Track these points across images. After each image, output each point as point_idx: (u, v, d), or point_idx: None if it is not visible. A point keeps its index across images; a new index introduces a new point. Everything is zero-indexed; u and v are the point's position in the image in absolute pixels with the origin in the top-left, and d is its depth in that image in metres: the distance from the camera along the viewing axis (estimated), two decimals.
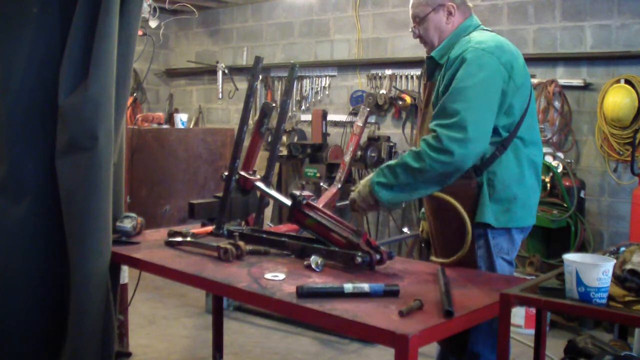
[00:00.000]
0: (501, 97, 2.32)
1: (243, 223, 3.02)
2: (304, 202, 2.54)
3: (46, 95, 2.62)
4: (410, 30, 2.61)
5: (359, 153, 5.84)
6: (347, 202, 2.56)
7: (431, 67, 2.57)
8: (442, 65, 2.45)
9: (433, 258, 2.58)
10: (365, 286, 2.03)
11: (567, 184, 4.89)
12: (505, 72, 2.32)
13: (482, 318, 2.04)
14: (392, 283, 2.11)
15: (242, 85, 7.28)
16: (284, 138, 6.58)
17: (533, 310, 2.62)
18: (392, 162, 2.38)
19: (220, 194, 2.89)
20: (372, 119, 6.33)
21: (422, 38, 2.57)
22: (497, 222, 2.39)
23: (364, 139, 6.14)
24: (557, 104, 5.19)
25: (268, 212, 5.98)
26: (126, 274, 3.68)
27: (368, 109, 6.16)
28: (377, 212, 2.54)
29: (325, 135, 6.58)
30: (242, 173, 2.93)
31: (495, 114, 2.31)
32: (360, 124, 6.18)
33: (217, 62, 7.37)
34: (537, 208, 2.54)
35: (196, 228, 2.96)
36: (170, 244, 2.75)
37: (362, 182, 2.46)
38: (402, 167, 2.33)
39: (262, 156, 3.35)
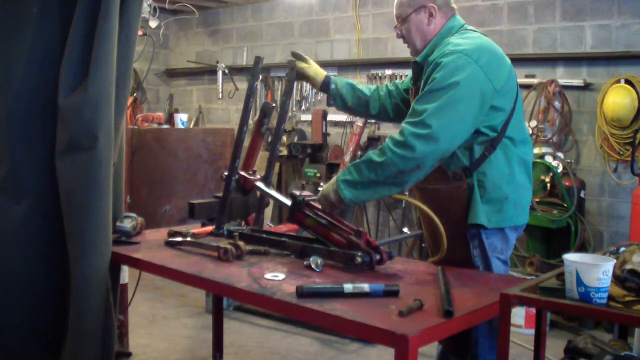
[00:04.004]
0: (480, 99, 2.30)
1: (243, 223, 3.02)
2: (304, 202, 2.55)
3: (46, 96, 2.62)
4: (394, 29, 2.63)
5: (359, 153, 5.85)
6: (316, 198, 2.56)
7: (416, 71, 2.58)
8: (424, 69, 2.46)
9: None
10: (365, 286, 2.03)
11: (567, 184, 4.89)
12: (482, 74, 2.30)
13: (482, 318, 2.04)
14: (392, 283, 2.11)
15: (242, 85, 7.28)
16: (284, 138, 6.58)
17: (533, 310, 2.62)
18: (358, 160, 2.39)
19: (220, 194, 2.89)
20: (372, 119, 6.32)
21: (405, 38, 2.59)
22: (489, 222, 2.39)
23: (364, 139, 6.15)
24: (557, 104, 5.19)
25: (268, 212, 5.98)
26: (126, 274, 3.69)
27: None
28: (338, 211, 2.54)
29: (325, 135, 6.58)
30: (242, 173, 2.93)
31: (472, 116, 2.29)
32: (360, 124, 6.19)
33: (217, 62, 7.38)
34: (529, 206, 2.55)
35: (196, 228, 2.96)
36: (170, 244, 2.75)
37: (330, 181, 2.47)
38: (366, 163, 2.33)
39: (262, 156, 3.35)
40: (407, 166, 2.25)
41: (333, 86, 2.86)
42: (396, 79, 6.22)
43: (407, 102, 2.78)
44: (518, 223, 2.49)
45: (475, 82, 2.28)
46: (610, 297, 1.77)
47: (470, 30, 2.52)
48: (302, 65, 2.87)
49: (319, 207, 2.53)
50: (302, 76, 2.90)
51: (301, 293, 2.00)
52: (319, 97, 6.87)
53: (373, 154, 2.32)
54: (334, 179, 2.43)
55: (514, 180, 2.43)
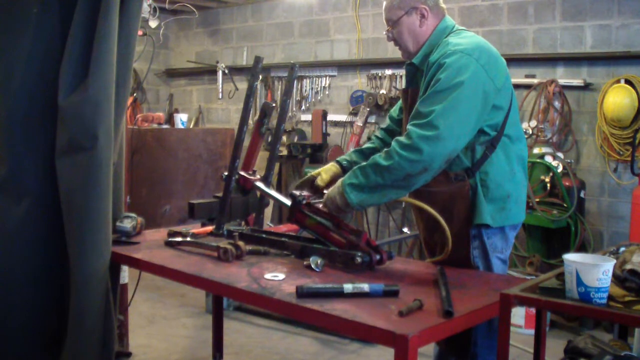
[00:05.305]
0: (483, 98, 2.30)
1: (243, 223, 3.02)
2: (304, 202, 2.54)
3: (46, 95, 2.62)
4: (385, 33, 2.60)
5: None
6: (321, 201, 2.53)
7: (411, 73, 2.57)
8: (423, 71, 2.44)
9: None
10: (365, 286, 2.03)
11: (567, 184, 4.89)
12: (484, 73, 2.30)
13: (482, 318, 2.04)
14: (392, 283, 2.11)
15: (242, 85, 7.28)
16: (284, 138, 6.58)
17: (533, 310, 2.62)
18: (364, 163, 2.36)
19: (220, 194, 2.90)
20: (372, 119, 6.33)
21: (397, 41, 2.56)
22: (493, 221, 2.40)
23: (363, 139, 6.15)
24: (557, 104, 5.19)
25: (268, 212, 5.98)
26: (126, 274, 3.69)
27: (368, 109, 6.19)
28: (345, 215, 2.52)
29: (325, 135, 6.59)
30: (242, 173, 2.93)
31: (476, 115, 2.29)
32: (360, 124, 6.19)
33: (217, 62, 7.38)
34: (529, 205, 2.56)
35: (196, 228, 2.96)
36: (170, 244, 2.75)
37: (336, 184, 2.45)
38: (372, 166, 2.31)
39: (262, 156, 3.35)
40: (415, 169, 2.24)
41: (346, 163, 2.74)
42: (396, 79, 6.22)
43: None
44: (518, 221, 2.50)
45: (478, 82, 2.29)
46: (610, 297, 1.77)
47: (462, 29, 2.52)
48: (317, 183, 2.65)
49: (320, 207, 2.52)
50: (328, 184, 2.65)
51: (301, 293, 2.00)
52: (319, 97, 6.87)
53: (379, 157, 2.30)
54: (339, 182, 2.41)
55: (515, 177, 2.45)
